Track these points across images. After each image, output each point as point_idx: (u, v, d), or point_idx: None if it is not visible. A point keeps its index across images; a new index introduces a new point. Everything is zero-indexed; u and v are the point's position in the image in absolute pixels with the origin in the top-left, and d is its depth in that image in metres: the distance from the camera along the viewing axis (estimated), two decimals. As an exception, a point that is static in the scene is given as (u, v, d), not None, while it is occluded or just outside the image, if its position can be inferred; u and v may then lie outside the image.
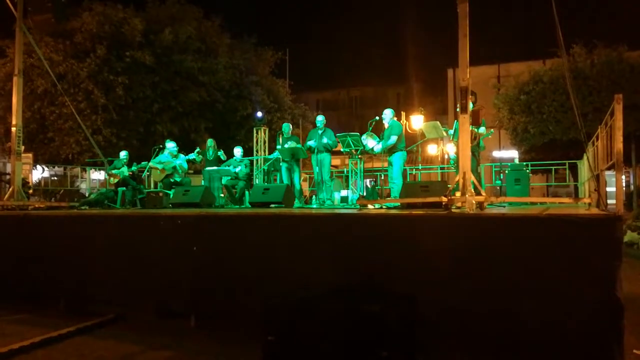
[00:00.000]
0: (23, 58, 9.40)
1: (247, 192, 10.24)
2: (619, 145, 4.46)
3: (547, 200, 8.42)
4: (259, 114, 18.41)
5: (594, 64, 18.47)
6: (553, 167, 15.59)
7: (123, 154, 10.83)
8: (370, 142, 9.18)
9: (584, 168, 12.11)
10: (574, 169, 16.34)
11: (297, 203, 9.27)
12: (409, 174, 15.10)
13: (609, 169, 6.22)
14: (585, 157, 8.63)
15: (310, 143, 9.71)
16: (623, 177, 21.47)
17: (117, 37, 17.17)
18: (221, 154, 11.28)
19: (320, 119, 9.88)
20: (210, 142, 11.60)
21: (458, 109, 5.26)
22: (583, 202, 6.20)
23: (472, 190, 4.86)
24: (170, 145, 10.58)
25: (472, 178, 4.97)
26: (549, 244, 3.91)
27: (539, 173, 20.29)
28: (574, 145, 16.35)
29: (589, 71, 18.29)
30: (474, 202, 4.75)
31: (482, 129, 7.58)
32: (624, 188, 20.80)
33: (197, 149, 10.80)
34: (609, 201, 5.55)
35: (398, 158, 8.70)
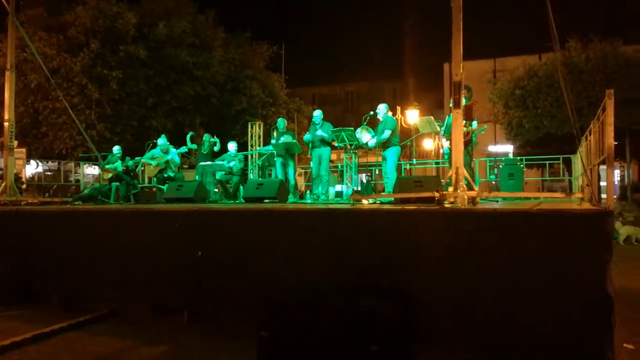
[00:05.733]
0: (16, 52, 9.36)
1: (241, 187, 10.23)
2: (609, 140, 4.47)
3: (540, 195, 8.45)
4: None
5: (589, 59, 18.46)
6: (547, 162, 15.62)
7: (116, 149, 10.80)
8: (365, 136, 9.17)
9: (578, 162, 12.14)
10: (568, 164, 16.38)
11: (291, 198, 9.26)
12: (404, 168, 15.10)
13: (601, 163, 6.23)
14: (578, 152, 8.64)
15: (306, 137, 9.70)
16: (618, 171, 21.49)
17: (111, 31, 17.10)
18: (216, 140, 11.23)
19: (317, 114, 9.66)
20: (206, 137, 11.56)
21: (451, 104, 5.25)
22: (575, 197, 6.21)
23: (465, 185, 4.86)
24: (161, 141, 10.54)
25: (465, 173, 4.97)
26: (540, 239, 3.91)
27: (534, 168, 20.34)
28: (569, 140, 16.35)
29: (584, 65, 18.29)
30: (466, 197, 4.76)
31: (474, 124, 7.56)
32: (619, 182, 20.88)
33: (190, 133, 10.76)
34: (603, 195, 5.56)
35: (392, 153, 8.71)
